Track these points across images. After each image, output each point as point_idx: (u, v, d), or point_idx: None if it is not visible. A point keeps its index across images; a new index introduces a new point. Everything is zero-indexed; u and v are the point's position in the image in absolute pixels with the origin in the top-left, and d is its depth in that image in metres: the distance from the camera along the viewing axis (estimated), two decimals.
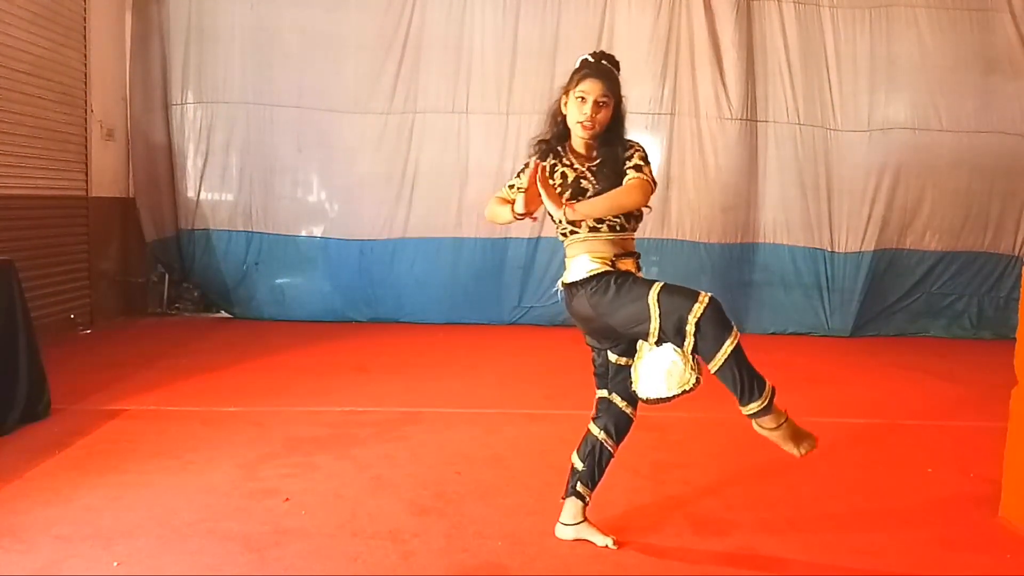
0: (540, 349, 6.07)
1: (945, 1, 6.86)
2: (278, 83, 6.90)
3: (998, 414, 3.12)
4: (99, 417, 3.89)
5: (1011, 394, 3.00)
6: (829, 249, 6.99)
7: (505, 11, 6.88)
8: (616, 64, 2.61)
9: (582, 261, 2.56)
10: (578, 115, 2.53)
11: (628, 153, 2.56)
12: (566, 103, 2.58)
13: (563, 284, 2.61)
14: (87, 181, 6.33)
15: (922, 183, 6.93)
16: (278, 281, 7.10)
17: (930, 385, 5.22)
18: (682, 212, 6.99)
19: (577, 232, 2.55)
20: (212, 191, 7.10)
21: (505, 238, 6.93)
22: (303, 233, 7.08)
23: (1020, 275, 6.72)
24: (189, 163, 7.05)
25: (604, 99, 2.52)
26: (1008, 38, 6.89)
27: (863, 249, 6.95)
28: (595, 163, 2.57)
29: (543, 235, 6.99)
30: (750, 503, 3.07)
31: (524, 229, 6.96)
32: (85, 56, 6.27)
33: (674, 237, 7.00)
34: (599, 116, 2.53)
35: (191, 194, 7.07)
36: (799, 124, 6.91)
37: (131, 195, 6.93)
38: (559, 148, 2.62)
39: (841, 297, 6.99)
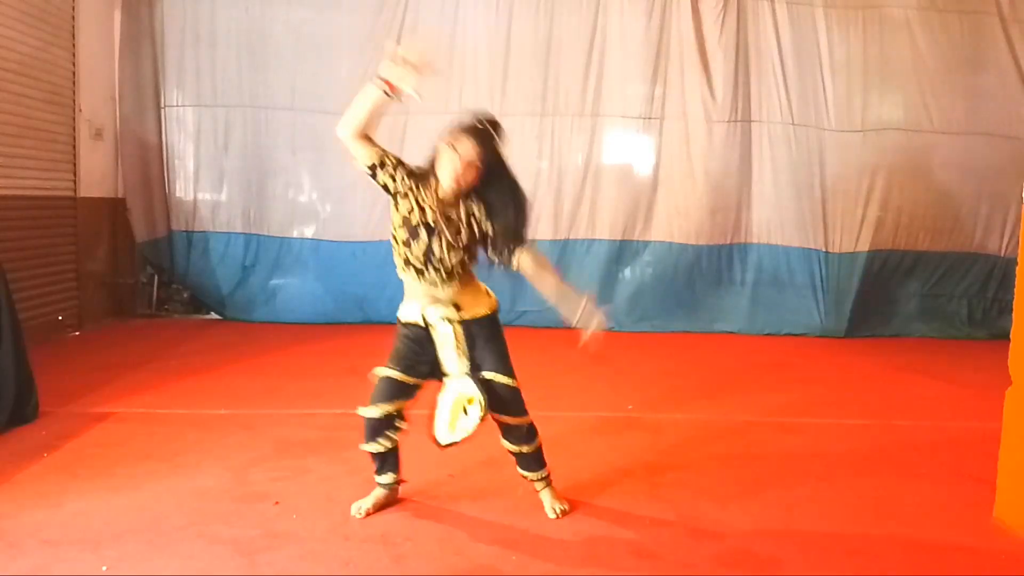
0: (533, 351, 6.04)
1: (936, 3, 6.90)
2: (272, 85, 6.87)
3: (992, 415, 3.12)
4: (88, 420, 3.84)
5: (1005, 395, 3.01)
6: (824, 249, 7.00)
7: (498, 13, 6.87)
8: (498, 128, 2.66)
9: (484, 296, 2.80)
10: (451, 167, 2.60)
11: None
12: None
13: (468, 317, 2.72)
14: (75, 181, 6.28)
15: (914, 183, 6.96)
16: (271, 283, 7.06)
17: (924, 385, 5.23)
18: (672, 213, 6.99)
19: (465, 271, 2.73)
20: (205, 192, 7.07)
21: None
22: (295, 235, 7.06)
23: (1008, 275, 6.84)
24: (181, 164, 7.01)
25: (479, 163, 2.60)
26: (997, 41, 6.94)
27: (857, 249, 6.97)
28: (449, 221, 2.65)
29: (537, 238, 6.99)
30: (745, 505, 3.06)
31: None
32: (74, 55, 6.21)
33: (663, 239, 7.00)
34: (468, 176, 2.61)
35: (183, 195, 7.03)
36: (793, 124, 6.93)
37: (120, 195, 6.88)
38: (427, 179, 2.68)
39: (836, 297, 7.00)
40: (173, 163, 7.01)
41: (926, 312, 7.11)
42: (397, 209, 2.69)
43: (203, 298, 7.10)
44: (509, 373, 2.78)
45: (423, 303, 2.71)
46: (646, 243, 7.01)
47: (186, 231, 7.04)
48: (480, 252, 2.75)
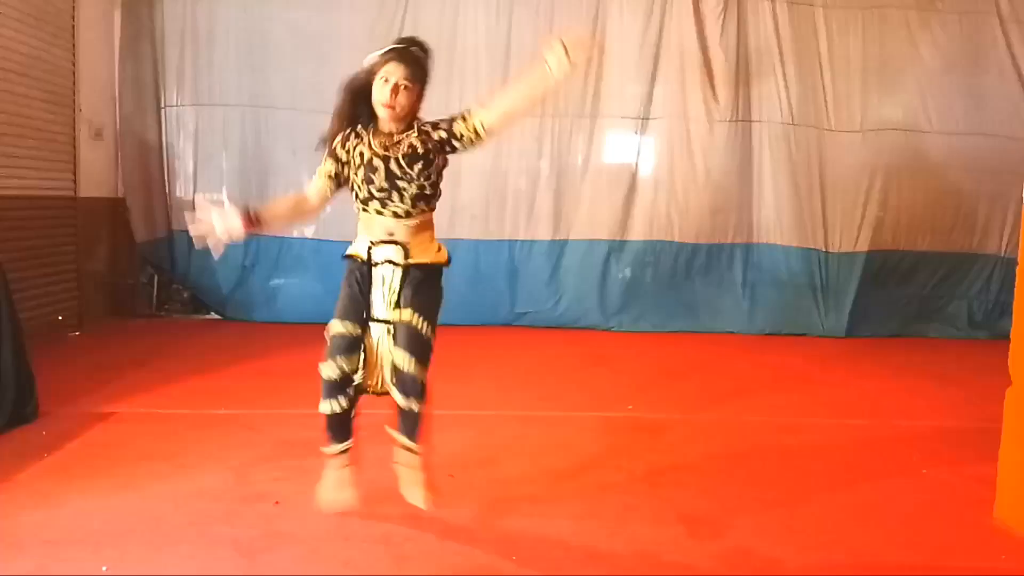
0: (534, 351, 6.06)
1: (936, 3, 6.92)
2: (272, 85, 6.88)
3: (993, 415, 3.12)
4: (88, 420, 3.84)
5: (1005, 394, 3.01)
6: (823, 249, 7.01)
7: (498, 14, 6.88)
8: (426, 51, 2.66)
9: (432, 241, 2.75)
10: (381, 96, 2.59)
11: (434, 124, 2.65)
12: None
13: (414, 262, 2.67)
14: (75, 181, 6.28)
15: (914, 184, 6.98)
16: (271, 283, 7.06)
17: (924, 386, 5.23)
18: (672, 213, 6.99)
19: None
20: (205, 192, 7.06)
21: (499, 240, 6.94)
22: (295, 235, 7.06)
23: (1008, 275, 6.85)
24: (181, 164, 7.02)
25: (407, 83, 2.58)
26: (996, 41, 6.96)
27: (857, 249, 6.98)
28: (396, 146, 2.62)
29: (536, 238, 7.00)
30: (745, 504, 3.06)
31: (518, 232, 6.98)
32: (74, 55, 6.21)
33: (664, 239, 7.00)
34: (401, 99, 2.58)
35: (183, 195, 7.03)
36: (793, 124, 6.94)
37: (120, 195, 6.88)
38: (364, 128, 2.68)
39: (835, 297, 7.01)
40: (173, 163, 7.01)
41: (926, 312, 7.12)
42: (354, 166, 2.66)
43: (203, 298, 7.10)
44: (427, 319, 2.65)
45: (375, 238, 2.67)
46: (646, 243, 7.02)
47: (186, 231, 7.02)
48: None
